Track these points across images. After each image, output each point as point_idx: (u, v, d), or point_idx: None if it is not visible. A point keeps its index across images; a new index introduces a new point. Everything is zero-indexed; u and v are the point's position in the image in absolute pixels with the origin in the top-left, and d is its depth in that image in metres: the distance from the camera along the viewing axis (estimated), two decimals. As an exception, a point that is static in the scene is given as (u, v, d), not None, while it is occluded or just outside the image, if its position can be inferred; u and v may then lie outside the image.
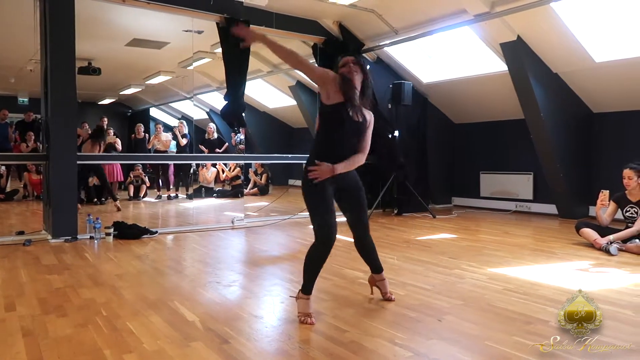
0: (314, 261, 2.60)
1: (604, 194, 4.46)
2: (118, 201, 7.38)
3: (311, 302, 2.61)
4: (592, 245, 4.39)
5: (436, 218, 6.53)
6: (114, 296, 3.01)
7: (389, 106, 7.12)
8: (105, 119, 9.39)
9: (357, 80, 2.64)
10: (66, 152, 5.02)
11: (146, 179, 9.32)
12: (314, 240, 2.56)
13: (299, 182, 10.03)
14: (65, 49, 4.96)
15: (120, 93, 12.09)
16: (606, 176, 5.81)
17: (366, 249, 2.86)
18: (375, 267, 2.90)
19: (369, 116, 2.68)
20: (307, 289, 2.61)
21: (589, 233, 4.47)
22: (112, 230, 5.01)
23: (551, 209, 6.62)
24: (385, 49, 7.01)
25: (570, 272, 3.59)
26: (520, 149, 6.91)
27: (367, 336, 2.34)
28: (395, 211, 7.04)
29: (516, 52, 5.78)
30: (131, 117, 13.87)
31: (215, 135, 9.65)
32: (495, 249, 4.45)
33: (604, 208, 4.52)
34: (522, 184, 7.01)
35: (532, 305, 2.78)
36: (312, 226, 2.56)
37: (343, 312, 2.70)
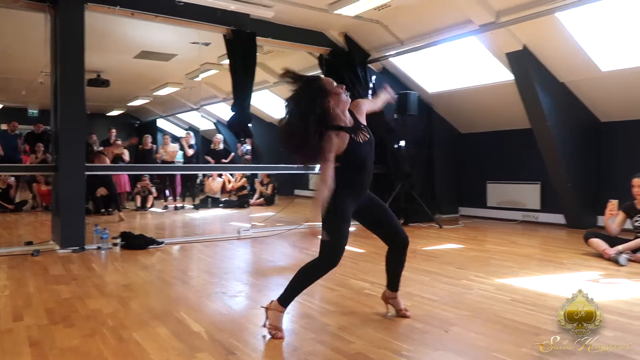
0: (309, 278, 2.55)
1: (613, 204, 4.43)
2: (123, 212, 7.42)
3: (283, 315, 2.51)
4: (601, 256, 4.35)
5: (443, 228, 6.51)
6: (121, 307, 3.02)
7: (395, 116, 7.14)
8: (114, 131, 9.48)
9: (345, 101, 2.55)
10: (75, 163, 5.06)
11: (153, 190, 9.37)
12: (318, 257, 2.49)
13: (305, 192, 10.05)
14: (75, 62, 5.03)
15: (129, 104, 12.22)
16: (614, 185, 5.76)
17: (401, 262, 2.75)
18: (396, 283, 2.79)
19: (361, 114, 2.65)
20: (286, 302, 2.52)
21: (598, 243, 4.43)
22: (119, 240, 5.04)
23: (559, 218, 6.57)
24: (391, 59, 7.05)
25: (579, 283, 3.55)
26: (527, 159, 6.88)
27: (373, 347, 2.33)
28: (402, 221, 7.01)
29: (522, 61, 5.78)
30: (139, 128, 14.00)
31: (222, 145, 9.70)
32: (503, 260, 4.42)
33: (612, 218, 4.48)
34: (529, 193, 6.97)
35: (540, 317, 2.75)
36: (322, 242, 2.48)
37: (349, 323, 2.69)
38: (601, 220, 5.17)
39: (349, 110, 2.60)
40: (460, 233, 6.16)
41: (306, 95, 2.44)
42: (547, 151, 6.18)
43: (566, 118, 6.10)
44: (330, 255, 2.48)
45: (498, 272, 3.91)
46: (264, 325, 2.51)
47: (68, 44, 4.99)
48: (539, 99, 5.85)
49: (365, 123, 2.65)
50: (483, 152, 7.67)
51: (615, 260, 4.13)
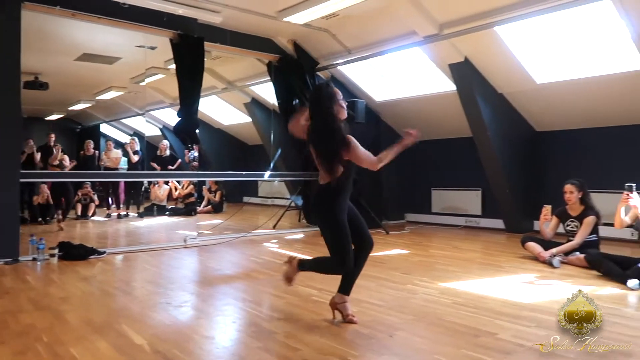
0: (326, 272, 2.90)
1: (547, 209, 4.67)
2: (64, 222, 7.09)
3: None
4: (536, 259, 4.57)
5: (389, 234, 6.63)
6: (57, 321, 2.88)
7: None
8: (53, 135, 9.04)
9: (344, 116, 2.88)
10: (9, 169, 4.78)
11: (95, 197, 8.98)
12: (335, 258, 2.70)
13: (253, 199, 9.96)
14: (11, 63, 4.77)
15: (69, 108, 11.68)
16: (549, 192, 6.07)
17: (364, 259, 2.85)
18: (350, 286, 2.85)
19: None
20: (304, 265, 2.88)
21: (534, 247, 4.67)
22: (56, 251, 4.80)
23: (499, 223, 6.86)
24: (339, 67, 7.15)
25: (517, 285, 3.72)
26: (469, 166, 7.14)
27: (320, 354, 2.34)
28: (351, 227, 7.09)
29: (464, 72, 6.02)
30: (80, 133, 13.41)
31: (168, 152, 9.47)
32: (446, 264, 4.56)
33: (547, 222, 4.73)
34: (471, 199, 7.24)
35: (480, 319, 2.86)
36: (333, 249, 2.70)
37: (296, 330, 2.69)
38: (537, 225, 5.44)
39: None
40: (406, 239, 6.31)
41: (324, 98, 2.73)
42: (487, 159, 6.45)
43: (505, 127, 6.39)
44: (347, 261, 2.68)
45: (442, 276, 4.03)
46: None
47: (3, 44, 4.73)
48: (479, 109, 6.10)
49: None
50: (428, 160, 7.88)
51: (549, 263, 4.35)
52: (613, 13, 4.66)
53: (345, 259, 2.67)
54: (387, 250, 5.38)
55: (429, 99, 6.92)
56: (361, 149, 2.75)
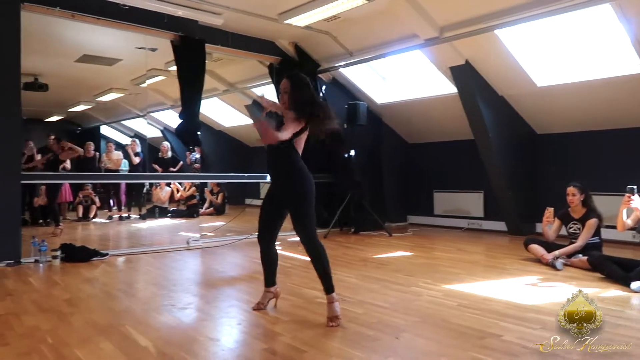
0: (327, 261, 2.91)
1: (549, 211, 4.67)
2: (60, 227, 7.02)
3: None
4: (539, 261, 4.57)
5: (392, 236, 6.63)
6: (61, 323, 2.87)
7: (345, 126, 7.23)
8: (53, 137, 9.02)
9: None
10: (9, 170, 4.77)
11: (96, 199, 8.97)
12: (319, 244, 2.88)
13: (256, 202, 9.93)
14: (10, 64, 4.76)
15: (69, 110, 11.67)
16: (551, 194, 6.08)
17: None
18: (274, 278, 3.18)
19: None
20: (332, 287, 2.87)
21: (537, 249, 4.67)
22: (59, 253, 4.79)
23: (501, 226, 6.86)
24: (341, 70, 7.15)
25: (520, 287, 3.72)
26: (471, 168, 7.14)
27: (326, 356, 2.34)
28: (352, 230, 7.10)
29: (465, 75, 6.03)
30: (80, 135, 13.40)
31: (170, 153, 9.46)
32: (450, 266, 4.56)
33: (549, 225, 4.73)
34: (473, 202, 7.24)
35: (485, 320, 2.85)
36: (308, 234, 2.87)
37: (302, 332, 2.69)
38: (539, 227, 5.44)
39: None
40: (409, 241, 6.30)
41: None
42: (488, 161, 6.45)
43: (506, 130, 6.40)
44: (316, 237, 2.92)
45: (446, 278, 4.02)
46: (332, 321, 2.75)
47: (2, 45, 4.73)
48: (480, 112, 6.11)
49: None
50: (430, 162, 7.89)
51: (552, 265, 4.35)
52: (612, 17, 4.68)
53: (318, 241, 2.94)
54: (390, 252, 5.38)
55: (431, 102, 6.93)
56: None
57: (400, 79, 7.20)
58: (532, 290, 3.63)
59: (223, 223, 7.62)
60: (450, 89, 6.42)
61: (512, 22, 5.06)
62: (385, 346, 2.48)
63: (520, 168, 6.57)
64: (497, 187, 6.54)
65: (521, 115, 6.51)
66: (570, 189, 4.61)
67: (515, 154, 6.52)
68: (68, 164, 8.71)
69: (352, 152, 7.16)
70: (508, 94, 6.28)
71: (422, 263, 4.76)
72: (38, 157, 8.31)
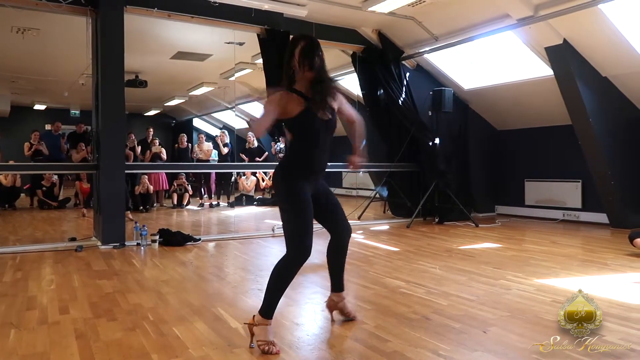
0: (285, 277, 2.33)
1: (660, 203, 4.26)
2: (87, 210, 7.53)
3: (272, 328, 2.32)
4: (647, 257, 4.19)
5: (479, 227, 6.38)
6: (160, 301, 3.10)
7: (430, 113, 7.05)
8: (151, 130, 9.72)
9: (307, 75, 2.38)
10: (115, 161, 5.22)
11: (189, 188, 9.56)
12: (285, 253, 2.35)
13: (338, 190, 10.05)
14: (115, 64, 5.18)
15: (165, 104, 12.51)
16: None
17: (343, 252, 2.65)
18: (339, 281, 2.66)
19: (336, 103, 2.47)
20: (269, 312, 2.30)
21: (644, 243, 4.27)
22: (157, 237, 5.17)
23: (602, 217, 6.34)
24: (425, 56, 6.96)
25: (625, 285, 3.42)
26: (567, 156, 6.67)
27: (410, 346, 2.31)
28: (437, 220, 6.93)
29: (562, 56, 5.61)
30: (175, 127, 14.32)
31: (256, 144, 9.80)
32: (542, 260, 4.30)
33: (659, 217, 4.30)
34: (569, 192, 6.76)
35: (583, 319, 2.66)
36: (285, 234, 2.38)
37: (385, 321, 2.68)
38: (647, 220, 4.96)
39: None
40: (497, 232, 6.03)
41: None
42: (588, 148, 5.97)
43: (609, 113, 5.88)
44: (297, 246, 2.30)
45: (538, 272, 3.80)
46: (251, 344, 2.30)
47: (108, 46, 5.14)
48: (580, 95, 5.66)
49: (334, 109, 2.47)
50: (520, 150, 7.47)
51: (662, 262, 3.96)
52: None
53: (303, 248, 2.31)
54: (476, 243, 5.19)
55: (522, 86, 6.54)
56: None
57: (490, 63, 6.85)
58: (638, 288, 3.33)
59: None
60: (545, 71, 6.01)
61: (618, -5, 4.62)
62: (472, 340, 2.40)
63: (626, 155, 6.01)
64: (599, 175, 6.04)
65: (628, 97, 5.95)
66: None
67: (619, 139, 5.97)
68: (164, 155, 9.34)
69: (437, 140, 6.96)
70: (613, 74, 5.75)
71: (511, 255, 4.53)
72: (139, 149, 8.97)
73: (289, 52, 2.42)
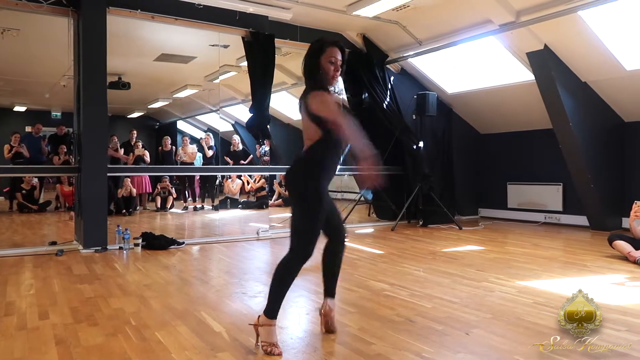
0: (286, 278, 2.32)
1: (638, 205, 4.34)
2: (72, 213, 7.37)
3: (276, 328, 2.33)
4: (625, 259, 4.27)
5: (462, 229, 6.44)
6: (143, 306, 3.06)
7: (414, 117, 7.10)
8: (134, 132, 9.62)
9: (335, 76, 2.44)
10: (97, 164, 5.15)
11: (173, 191, 9.48)
12: (289, 252, 2.31)
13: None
14: (97, 65, 5.12)
15: (149, 106, 12.39)
16: (639, 187, 5.65)
17: (340, 255, 2.56)
18: (333, 286, 2.58)
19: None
20: (273, 312, 2.31)
21: (623, 246, 4.35)
22: (140, 240, 5.11)
23: (582, 220, 6.45)
24: (410, 60, 7.01)
25: (604, 286, 3.49)
26: (549, 160, 6.78)
27: (394, 349, 2.32)
28: (421, 222, 6.98)
29: (543, 61, 5.70)
30: (159, 129, 14.18)
31: (240, 147, 9.77)
32: (524, 262, 4.36)
33: (637, 220, 4.39)
34: (551, 195, 6.86)
35: (564, 320, 2.70)
36: (295, 233, 2.33)
37: (369, 324, 2.69)
38: (626, 222, 5.06)
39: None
40: (480, 234, 6.10)
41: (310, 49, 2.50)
42: (569, 152, 6.07)
43: (589, 118, 5.99)
44: (305, 245, 2.27)
45: (520, 274, 3.85)
46: (257, 344, 2.33)
47: (90, 47, 5.08)
48: (560, 99, 5.76)
49: None
50: (503, 153, 7.57)
51: (640, 263, 4.04)
52: None
53: (307, 251, 2.28)
54: (460, 246, 5.24)
55: (505, 90, 6.63)
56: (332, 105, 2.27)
57: (472, 68, 6.93)
58: (617, 289, 3.40)
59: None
60: (527, 76, 6.10)
61: (597, 1, 4.70)
62: (455, 342, 2.42)
63: (605, 158, 6.13)
64: (579, 179, 6.15)
65: (607, 103, 6.07)
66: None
67: (599, 143, 6.08)
68: (147, 157, 9.26)
69: (421, 144, 7.01)
70: (592, 79, 5.86)
71: (494, 258, 4.58)
72: (121, 151, 8.88)
73: (331, 55, 2.41)
